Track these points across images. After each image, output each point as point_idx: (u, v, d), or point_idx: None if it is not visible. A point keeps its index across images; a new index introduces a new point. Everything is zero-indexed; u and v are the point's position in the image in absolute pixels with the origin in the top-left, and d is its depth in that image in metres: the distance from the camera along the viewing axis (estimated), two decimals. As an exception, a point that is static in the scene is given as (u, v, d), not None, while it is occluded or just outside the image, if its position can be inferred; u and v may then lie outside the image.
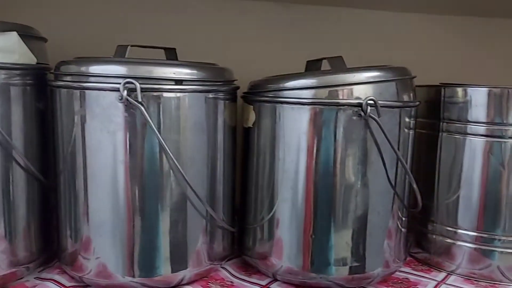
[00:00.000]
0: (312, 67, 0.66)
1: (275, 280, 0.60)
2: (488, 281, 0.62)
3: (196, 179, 0.55)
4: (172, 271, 0.56)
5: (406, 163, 0.59)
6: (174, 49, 0.64)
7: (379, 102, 0.53)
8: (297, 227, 0.57)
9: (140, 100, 0.48)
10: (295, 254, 0.57)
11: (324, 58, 0.61)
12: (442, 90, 0.65)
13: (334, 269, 0.57)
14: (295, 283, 0.58)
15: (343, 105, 0.53)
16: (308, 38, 0.81)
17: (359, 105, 0.52)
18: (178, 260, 0.56)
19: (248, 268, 0.63)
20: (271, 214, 0.58)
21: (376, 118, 0.52)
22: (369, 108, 0.52)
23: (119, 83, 0.49)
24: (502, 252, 0.62)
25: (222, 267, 0.63)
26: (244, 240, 0.63)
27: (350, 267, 0.57)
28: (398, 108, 0.56)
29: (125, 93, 0.48)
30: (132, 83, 0.48)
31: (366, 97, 0.52)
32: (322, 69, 0.66)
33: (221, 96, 0.57)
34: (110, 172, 0.53)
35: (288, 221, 0.57)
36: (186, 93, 0.54)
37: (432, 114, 0.67)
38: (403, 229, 0.61)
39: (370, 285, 0.59)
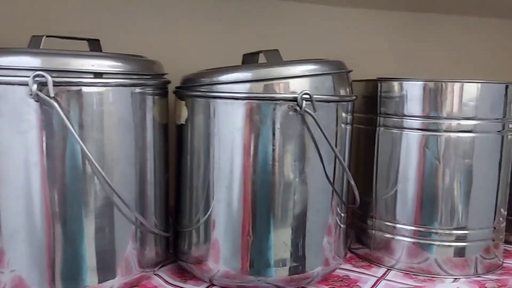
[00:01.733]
0: (249, 61, 0.63)
1: (212, 285, 0.57)
2: (426, 275, 0.62)
3: (122, 182, 0.51)
4: (99, 281, 0.51)
5: (344, 159, 0.58)
6: (98, 40, 0.59)
7: (315, 96, 0.51)
8: (234, 229, 0.54)
9: (52, 95, 0.44)
10: (233, 257, 0.54)
11: (261, 52, 0.58)
12: (379, 84, 0.65)
13: (273, 271, 0.54)
14: (233, 287, 0.56)
15: (278, 99, 0.51)
16: (246, 31, 0.78)
17: (294, 99, 0.50)
18: (105, 269, 0.52)
19: (184, 274, 0.60)
20: (207, 215, 0.55)
21: (312, 113, 0.50)
22: (304, 102, 0.50)
23: (29, 77, 0.44)
24: (439, 245, 0.62)
25: (155, 274, 0.59)
26: (179, 245, 0.59)
27: (290, 268, 0.55)
28: (334, 102, 0.55)
29: (34, 87, 0.43)
30: (43, 76, 0.43)
31: (301, 91, 0.50)
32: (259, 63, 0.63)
33: (150, 91, 0.53)
34: (23, 176, 0.47)
35: (225, 223, 0.54)
36: (110, 88, 0.49)
37: (370, 109, 0.66)
38: (342, 226, 0.60)
39: (310, 285, 0.57)
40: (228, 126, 0.53)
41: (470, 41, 0.93)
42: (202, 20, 0.76)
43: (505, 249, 0.72)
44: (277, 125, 0.52)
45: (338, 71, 0.55)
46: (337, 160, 0.56)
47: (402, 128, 0.63)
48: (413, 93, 0.62)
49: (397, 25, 0.88)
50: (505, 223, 0.67)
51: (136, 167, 0.53)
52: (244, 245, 0.54)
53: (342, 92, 0.56)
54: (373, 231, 0.66)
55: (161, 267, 0.60)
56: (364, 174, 0.68)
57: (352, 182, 0.56)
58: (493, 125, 0.62)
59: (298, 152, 0.53)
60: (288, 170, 0.53)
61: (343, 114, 0.57)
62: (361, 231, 0.69)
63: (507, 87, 0.62)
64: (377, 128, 0.65)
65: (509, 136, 0.64)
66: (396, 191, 0.64)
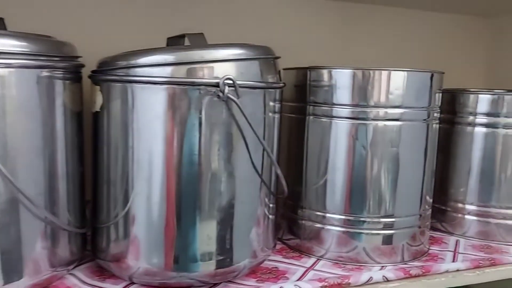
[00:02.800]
0: (173, 45, 0.60)
1: (132, 283, 0.53)
2: (354, 264, 0.62)
3: (27, 175, 0.46)
4: (3, 283, 0.47)
5: (272, 148, 0.56)
6: (2, 19, 0.53)
7: (239, 82, 0.49)
8: (155, 223, 0.51)
9: None
10: (154, 253, 0.51)
11: (185, 35, 0.55)
12: (308, 72, 0.63)
13: (197, 266, 0.52)
14: (154, 284, 0.52)
15: (200, 84, 0.48)
16: (171, 13, 0.74)
17: (216, 84, 0.48)
18: (10, 270, 0.47)
19: (103, 272, 0.55)
20: (126, 210, 0.52)
21: (235, 99, 0.48)
22: (227, 88, 0.48)
23: None
24: (367, 233, 0.62)
25: (70, 274, 0.55)
26: (97, 241, 0.55)
27: (215, 262, 0.52)
28: (260, 89, 0.53)
29: None
30: None
31: (224, 76, 0.48)
32: (184, 47, 0.60)
33: (59, 75, 0.49)
34: None
35: (145, 217, 0.51)
36: (12, 69, 0.44)
37: (300, 98, 0.65)
38: (271, 216, 0.58)
39: (237, 279, 0.55)
40: (146, 114, 0.49)
41: (403, 32, 0.94)
42: (126, 3, 0.71)
43: (431, 236, 0.74)
44: (200, 113, 0.49)
45: (265, 56, 0.53)
46: (271, 148, 0.54)
47: (331, 117, 0.62)
48: (341, 81, 0.61)
49: (332, 14, 0.88)
50: (430, 210, 0.68)
51: (44, 159, 0.48)
52: (166, 240, 0.51)
53: (269, 79, 0.54)
54: (304, 221, 0.65)
55: (77, 266, 0.56)
56: (295, 163, 0.66)
57: (279, 172, 0.54)
58: (418, 113, 0.63)
59: (223, 141, 0.51)
60: (213, 160, 0.51)
61: (271, 102, 0.55)
62: (292, 221, 0.68)
63: (432, 75, 0.63)
64: (307, 117, 0.64)
65: (434, 125, 0.65)
66: (325, 181, 0.63)
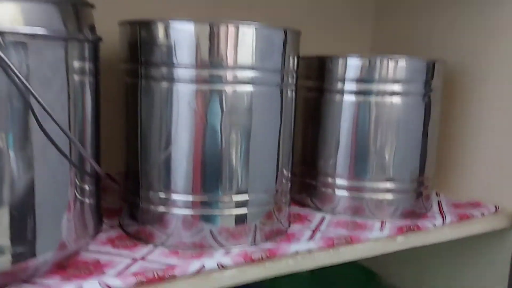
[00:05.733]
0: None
1: None
2: (196, 250, 0.54)
3: None
4: None
5: (84, 118, 0.46)
6: None
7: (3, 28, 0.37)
8: None
9: None
10: None
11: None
12: (138, 26, 0.53)
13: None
14: None
15: None
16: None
17: (-34, 29, 0.36)
18: None
19: None
20: None
21: (-4, 50, 0.37)
22: (-20, 34, 0.36)
23: None
24: (216, 215, 0.55)
25: None
26: None
27: (10, 256, 0.42)
28: (53, 41, 0.42)
29: None
30: None
31: (-25, 19, 0.36)
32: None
33: None
34: None
35: None
36: None
37: (133, 58, 0.55)
38: (88, 200, 0.48)
39: (38, 277, 0.45)
40: None
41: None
42: None
43: (297, 213, 0.68)
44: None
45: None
46: (81, 118, 0.44)
47: (170, 80, 0.53)
48: (180, 38, 0.52)
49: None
50: (289, 184, 0.62)
51: None
52: None
53: (70, 29, 0.43)
54: (144, 205, 0.56)
55: None
56: (133, 137, 0.57)
57: (81, 149, 0.44)
58: (271, 76, 0.55)
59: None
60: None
61: (76, 61, 0.44)
62: (133, 205, 0.58)
63: (285, 32, 0.55)
64: (140, 81, 0.54)
65: (289, 91, 0.58)
66: (168, 157, 0.54)
